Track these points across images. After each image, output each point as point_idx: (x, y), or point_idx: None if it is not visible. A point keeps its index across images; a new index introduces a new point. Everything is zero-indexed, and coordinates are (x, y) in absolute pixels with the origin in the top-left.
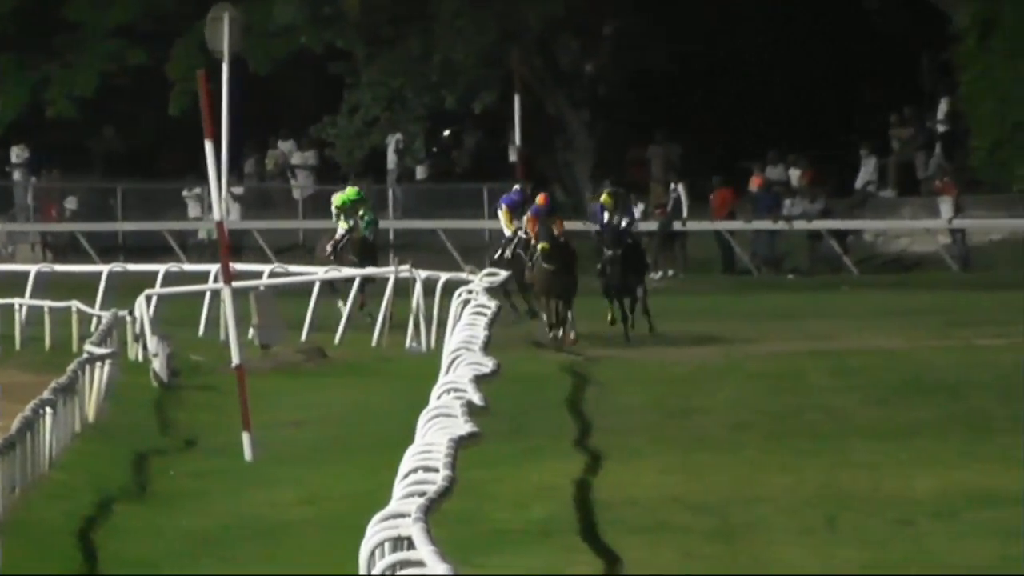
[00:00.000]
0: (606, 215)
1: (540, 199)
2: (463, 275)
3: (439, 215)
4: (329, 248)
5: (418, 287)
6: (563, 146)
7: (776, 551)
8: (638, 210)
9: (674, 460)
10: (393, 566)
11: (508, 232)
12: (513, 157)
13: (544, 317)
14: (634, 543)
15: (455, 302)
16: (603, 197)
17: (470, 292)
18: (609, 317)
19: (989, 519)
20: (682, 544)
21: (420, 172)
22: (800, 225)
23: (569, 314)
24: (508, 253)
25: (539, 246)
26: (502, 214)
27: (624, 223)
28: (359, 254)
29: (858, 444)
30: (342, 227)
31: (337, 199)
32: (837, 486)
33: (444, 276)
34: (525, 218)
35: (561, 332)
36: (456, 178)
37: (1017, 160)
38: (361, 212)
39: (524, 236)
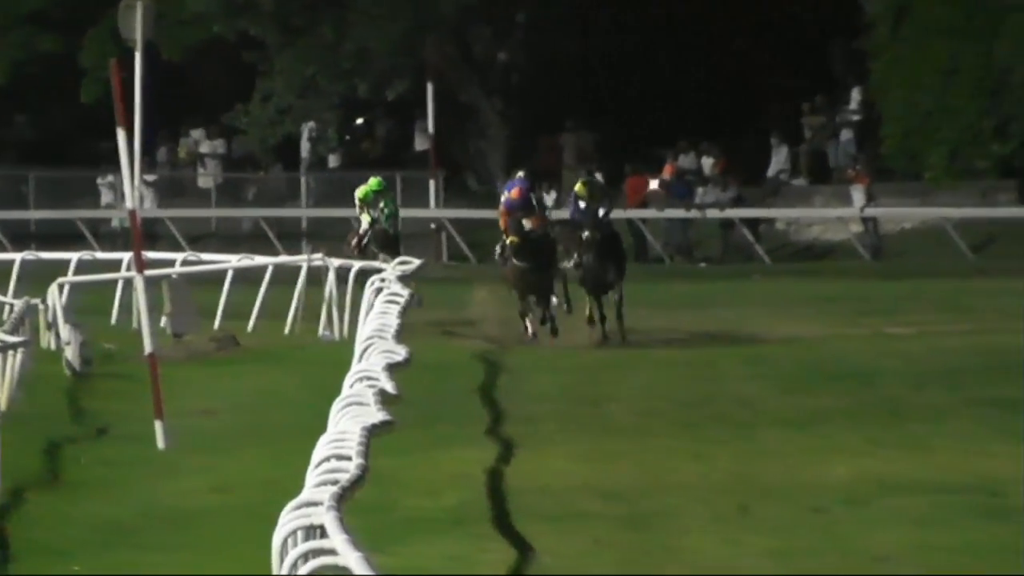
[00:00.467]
0: (581, 204)
1: (514, 192)
2: (376, 263)
3: (352, 203)
4: (354, 243)
5: (331, 275)
6: (476, 134)
7: (687, 539)
8: (550, 197)
9: (585, 448)
10: (306, 555)
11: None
12: (419, 144)
13: (522, 316)
14: (545, 531)
15: (368, 290)
16: (576, 186)
17: (383, 280)
18: (587, 312)
19: (900, 506)
20: (593, 532)
21: (333, 160)
22: (713, 213)
23: (550, 309)
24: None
25: (508, 241)
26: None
27: (602, 211)
28: (380, 247)
29: (769, 432)
30: (365, 220)
31: (360, 191)
32: (748, 474)
33: (357, 264)
34: (500, 212)
35: (532, 326)
36: (369, 166)
37: (928, 149)
38: (382, 204)
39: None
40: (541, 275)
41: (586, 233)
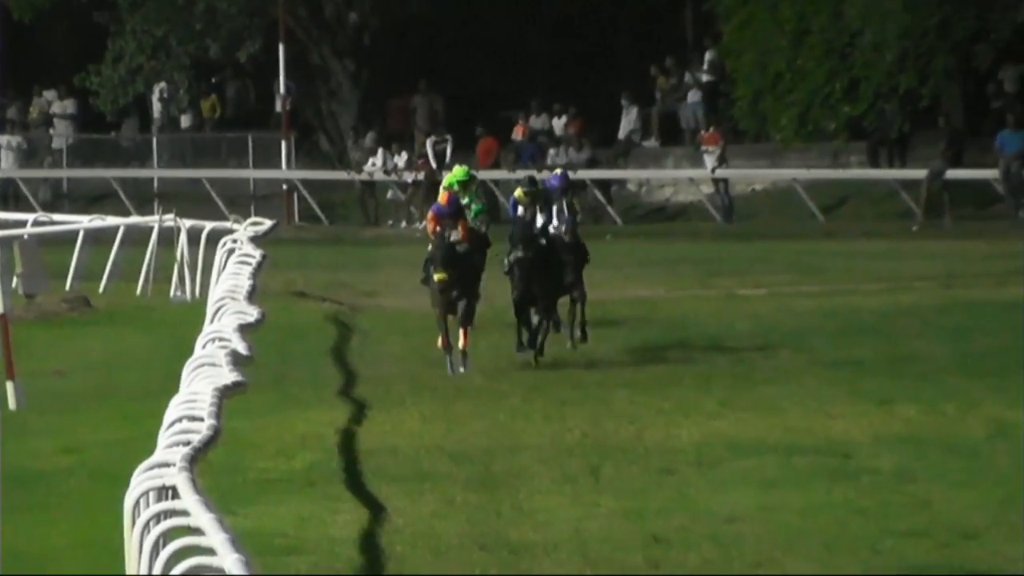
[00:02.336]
0: (520, 211)
1: (442, 198)
2: (228, 224)
3: (203, 164)
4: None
5: (183, 236)
6: (327, 95)
7: (538, 500)
8: (401, 159)
9: (436, 409)
10: (158, 516)
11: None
12: (279, 107)
13: (440, 338)
14: (397, 491)
15: (220, 251)
16: (517, 192)
17: (235, 241)
18: (515, 339)
19: (750, 468)
20: (444, 492)
21: (184, 121)
22: None
23: (462, 333)
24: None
25: (434, 273)
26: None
27: (541, 222)
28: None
29: (619, 393)
30: None
31: (445, 182)
32: (598, 435)
33: (209, 225)
34: (428, 218)
35: (443, 342)
36: (220, 127)
37: (778, 111)
38: (466, 199)
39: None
40: (460, 293)
41: (518, 253)
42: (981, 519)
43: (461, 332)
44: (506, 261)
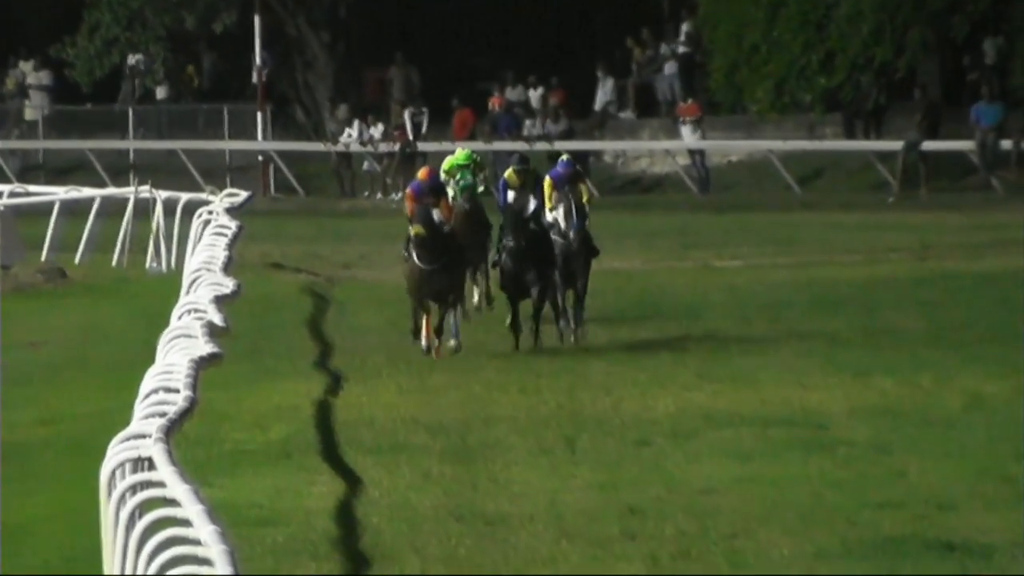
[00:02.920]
0: (510, 194)
1: (422, 173)
2: (204, 195)
3: (179, 136)
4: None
5: (158, 208)
6: (303, 67)
7: (514, 471)
8: (376, 130)
9: (412, 381)
10: (133, 487)
11: (548, 215)
12: (255, 78)
13: (412, 323)
14: (373, 463)
15: (195, 222)
16: (507, 172)
17: (211, 213)
18: (508, 320)
19: (725, 439)
20: (420, 464)
21: (160, 93)
22: (541, 146)
23: (452, 319)
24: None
25: (412, 231)
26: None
27: (532, 206)
28: (461, 228)
29: (596, 365)
30: (451, 194)
31: (445, 163)
32: (574, 407)
33: (184, 196)
34: (405, 195)
35: (436, 343)
36: (196, 99)
37: (754, 82)
38: (458, 176)
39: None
40: (443, 277)
41: (509, 241)
42: (957, 490)
43: (455, 320)
44: (495, 255)
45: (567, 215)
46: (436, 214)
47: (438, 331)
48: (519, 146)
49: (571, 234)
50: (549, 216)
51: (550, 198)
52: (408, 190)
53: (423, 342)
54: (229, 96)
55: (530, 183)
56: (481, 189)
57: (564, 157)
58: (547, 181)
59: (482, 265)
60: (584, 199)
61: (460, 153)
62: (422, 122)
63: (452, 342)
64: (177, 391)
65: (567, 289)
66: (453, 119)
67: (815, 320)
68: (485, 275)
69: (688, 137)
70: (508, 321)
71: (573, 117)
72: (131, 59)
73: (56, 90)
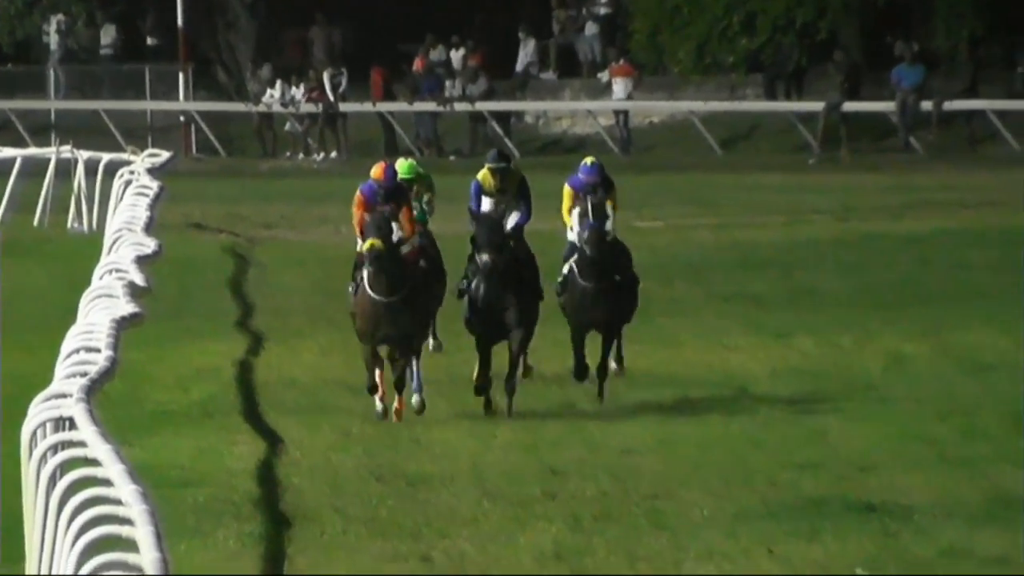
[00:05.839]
0: (485, 202)
1: (376, 170)
2: (125, 156)
3: (101, 96)
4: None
5: (80, 167)
6: (224, 27)
7: (435, 432)
8: (298, 92)
9: (334, 341)
10: (55, 446)
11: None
12: (177, 39)
13: (368, 376)
14: (294, 423)
15: (117, 183)
16: (480, 174)
17: (132, 173)
18: (474, 374)
19: (647, 400)
20: (341, 424)
21: (81, 53)
22: (462, 107)
23: (414, 366)
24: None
25: (363, 247)
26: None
27: (515, 218)
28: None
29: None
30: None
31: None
32: (496, 368)
33: (106, 157)
34: (354, 202)
35: (395, 402)
36: (120, 60)
37: (676, 44)
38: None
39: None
40: (407, 315)
41: (484, 256)
42: (877, 451)
43: (415, 372)
44: (461, 281)
45: (582, 215)
46: (395, 229)
47: (398, 386)
48: (442, 108)
49: (584, 234)
50: (570, 235)
51: (569, 212)
52: (357, 194)
53: (378, 404)
54: (151, 56)
55: (512, 187)
56: (426, 214)
57: (589, 161)
58: (567, 191)
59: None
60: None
61: (402, 165)
62: (340, 83)
63: (416, 398)
64: (98, 351)
65: (590, 327)
66: (370, 80)
67: (736, 281)
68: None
69: (620, 95)
70: (475, 374)
71: (495, 78)
72: (53, 20)
73: None
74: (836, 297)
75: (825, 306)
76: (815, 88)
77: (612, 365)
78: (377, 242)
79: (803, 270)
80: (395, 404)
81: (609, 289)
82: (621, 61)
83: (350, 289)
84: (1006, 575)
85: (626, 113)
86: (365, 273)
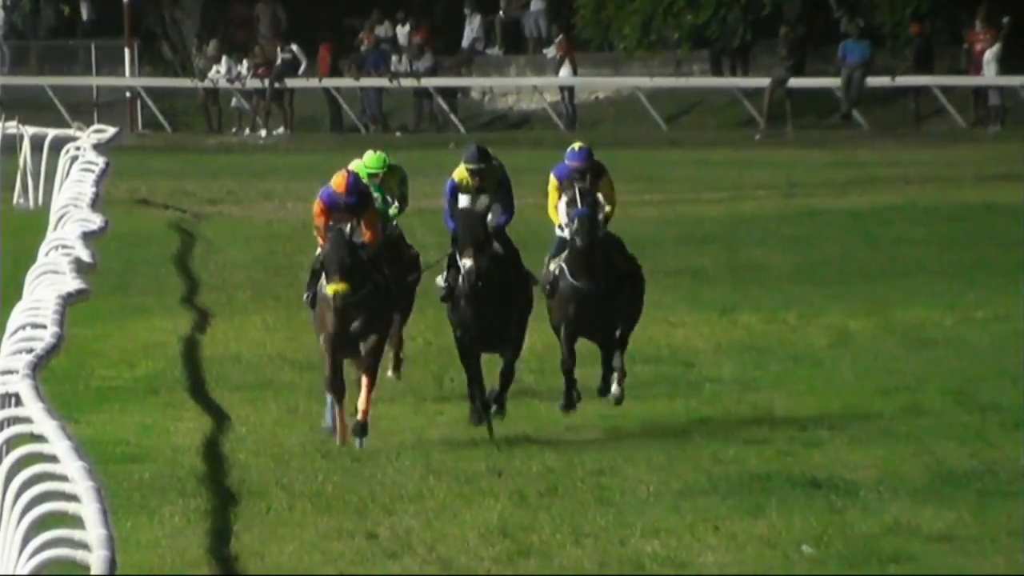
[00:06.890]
0: (462, 199)
1: (337, 180)
2: (71, 131)
3: (46, 71)
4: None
5: (26, 143)
6: (170, 3)
7: (380, 407)
8: (243, 68)
9: (279, 318)
10: (0, 423)
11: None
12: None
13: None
14: (240, 400)
15: (63, 159)
16: (456, 172)
17: (78, 149)
18: (471, 408)
19: (591, 377)
20: (287, 401)
21: (27, 28)
22: (408, 83)
23: (364, 384)
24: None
25: (328, 289)
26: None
27: (496, 218)
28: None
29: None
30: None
31: (351, 165)
32: (442, 344)
33: (52, 132)
34: (315, 209)
35: (340, 420)
36: (66, 35)
37: (621, 19)
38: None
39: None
40: (365, 315)
41: (466, 262)
42: (822, 427)
43: (363, 386)
44: (440, 280)
45: (570, 203)
46: (356, 236)
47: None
48: (387, 83)
49: (573, 225)
50: (559, 232)
51: (556, 208)
52: (317, 200)
53: (336, 423)
54: (96, 32)
55: (491, 185)
56: (394, 212)
57: (577, 146)
58: (552, 183)
59: (403, 315)
60: (602, 200)
61: (371, 158)
62: (291, 58)
63: (359, 417)
64: (44, 327)
65: (587, 333)
66: (318, 56)
67: (681, 257)
68: (401, 324)
69: (564, 73)
70: (468, 394)
71: (440, 54)
72: None
73: None
74: (780, 273)
75: (770, 282)
76: (760, 64)
77: (614, 389)
78: (342, 286)
79: (748, 246)
80: (360, 408)
81: (606, 289)
82: (560, 38)
83: (305, 299)
84: (951, 550)
85: (571, 89)
86: (329, 281)
